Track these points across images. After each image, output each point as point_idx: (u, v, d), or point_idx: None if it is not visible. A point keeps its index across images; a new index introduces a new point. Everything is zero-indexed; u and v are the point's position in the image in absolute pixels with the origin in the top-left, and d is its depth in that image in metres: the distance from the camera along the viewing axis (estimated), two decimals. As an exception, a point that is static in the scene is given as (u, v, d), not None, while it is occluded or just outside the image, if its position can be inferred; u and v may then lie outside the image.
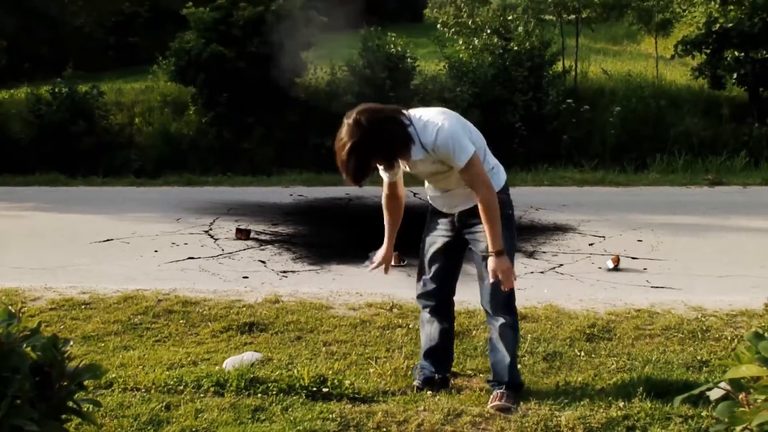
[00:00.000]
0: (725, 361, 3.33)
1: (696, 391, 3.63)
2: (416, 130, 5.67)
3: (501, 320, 6.14)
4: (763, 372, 3.22)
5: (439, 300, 6.40)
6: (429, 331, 6.48)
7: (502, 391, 6.05)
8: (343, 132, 5.53)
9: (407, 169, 5.96)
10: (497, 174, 6.08)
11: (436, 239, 6.30)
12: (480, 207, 5.76)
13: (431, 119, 5.74)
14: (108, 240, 12.09)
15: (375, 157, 5.60)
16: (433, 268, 6.32)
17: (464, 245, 6.26)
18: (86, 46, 31.84)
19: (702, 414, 5.49)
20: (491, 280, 5.91)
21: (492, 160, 6.11)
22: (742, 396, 3.30)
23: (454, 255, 6.34)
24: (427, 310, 6.46)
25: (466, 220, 6.07)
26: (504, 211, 5.93)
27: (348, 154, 5.47)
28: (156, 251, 11.38)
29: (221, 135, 22.29)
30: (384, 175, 6.10)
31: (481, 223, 5.85)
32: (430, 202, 6.29)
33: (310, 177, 19.20)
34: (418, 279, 6.42)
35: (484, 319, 7.74)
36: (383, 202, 6.28)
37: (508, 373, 6.12)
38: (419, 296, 6.46)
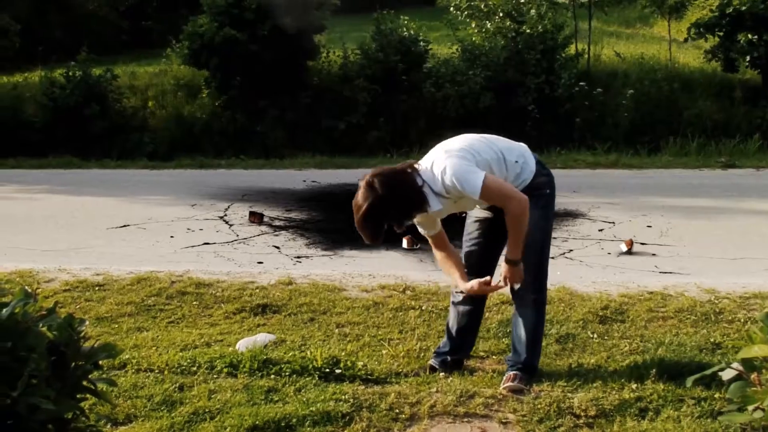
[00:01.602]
0: (737, 342, 3.32)
1: (708, 372, 3.63)
2: (428, 183, 5.72)
3: (526, 298, 6.17)
4: (775, 351, 3.22)
5: (479, 276, 6.28)
6: (459, 311, 6.51)
7: (515, 372, 6.07)
8: (359, 195, 5.61)
9: (439, 217, 6.05)
10: (526, 164, 6.07)
11: (473, 231, 6.39)
12: (506, 218, 5.77)
13: (435, 164, 5.77)
14: (125, 225, 12.09)
15: (389, 219, 5.69)
16: (471, 259, 6.37)
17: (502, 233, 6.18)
18: (100, 30, 31.88)
19: (715, 396, 5.49)
20: (502, 284, 6.03)
21: (514, 155, 6.06)
22: (754, 376, 3.30)
23: (494, 247, 6.35)
24: (463, 297, 6.46)
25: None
26: (542, 191, 6.06)
27: (363, 217, 5.58)
28: (172, 236, 11.40)
29: (234, 118, 22.32)
30: (423, 231, 6.20)
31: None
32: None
33: (322, 160, 19.22)
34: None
35: (498, 300, 7.81)
36: (439, 261, 6.32)
37: (526, 351, 6.14)
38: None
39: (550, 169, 6.30)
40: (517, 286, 6.04)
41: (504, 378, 6.06)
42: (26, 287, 3.43)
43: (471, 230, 6.38)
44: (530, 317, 6.19)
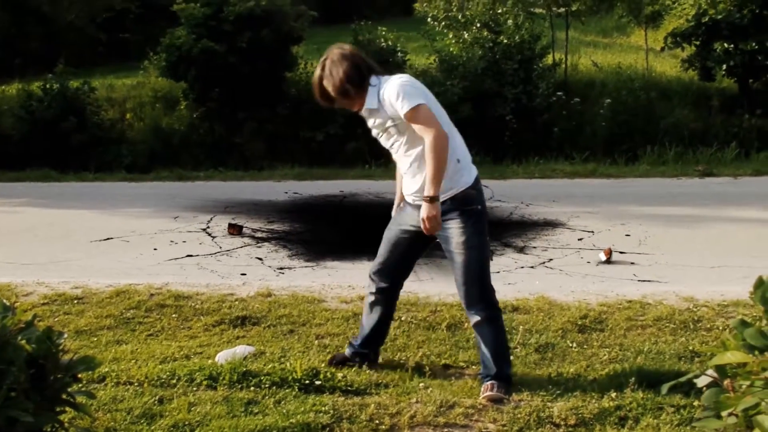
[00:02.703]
0: (711, 348, 3.35)
1: (683, 379, 3.66)
2: (380, 84, 6.05)
3: (476, 317, 6.21)
4: (747, 358, 3.24)
5: (385, 283, 6.60)
6: (375, 315, 6.70)
7: (492, 382, 6.09)
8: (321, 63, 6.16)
9: (369, 123, 6.24)
10: (465, 169, 6.15)
11: (396, 224, 6.51)
12: (426, 148, 5.86)
13: (396, 76, 6.07)
14: (108, 239, 12.05)
15: (324, 78, 6.09)
16: (388, 251, 6.52)
17: (426, 242, 6.40)
18: (77, 42, 31.83)
19: (693, 404, 5.51)
20: (423, 227, 6.04)
21: (459, 154, 6.14)
22: (727, 382, 3.33)
23: (414, 247, 6.50)
24: (374, 291, 6.65)
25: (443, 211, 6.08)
26: (473, 207, 6.11)
27: (315, 71, 6.11)
28: (155, 249, 11.37)
29: (212, 130, 22.32)
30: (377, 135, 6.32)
31: (449, 221, 6.05)
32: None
33: (302, 171, 19.20)
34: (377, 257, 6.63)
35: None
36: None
37: (495, 365, 6.17)
38: (373, 276, 6.67)
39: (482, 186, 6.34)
40: (428, 231, 6.05)
41: (482, 388, 6.08)
42: (5, 301, 3.43)
43: (392, 234, 6.52)
44: (488, 333, 6.24)
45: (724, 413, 3.30)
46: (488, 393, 5.96)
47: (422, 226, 5.98)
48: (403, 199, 6.40)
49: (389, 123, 5.97)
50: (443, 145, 5.82)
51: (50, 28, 31.86)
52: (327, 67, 6.05)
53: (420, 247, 6.49)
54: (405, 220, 6.35)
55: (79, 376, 3.56)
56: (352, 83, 5.98)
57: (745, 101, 21.67)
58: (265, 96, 21.99)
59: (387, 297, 6.63)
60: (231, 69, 21.42)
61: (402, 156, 6.11)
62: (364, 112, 6.11)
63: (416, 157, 6.03)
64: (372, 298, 6.64)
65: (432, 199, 5.88)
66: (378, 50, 21.83)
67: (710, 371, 3.42)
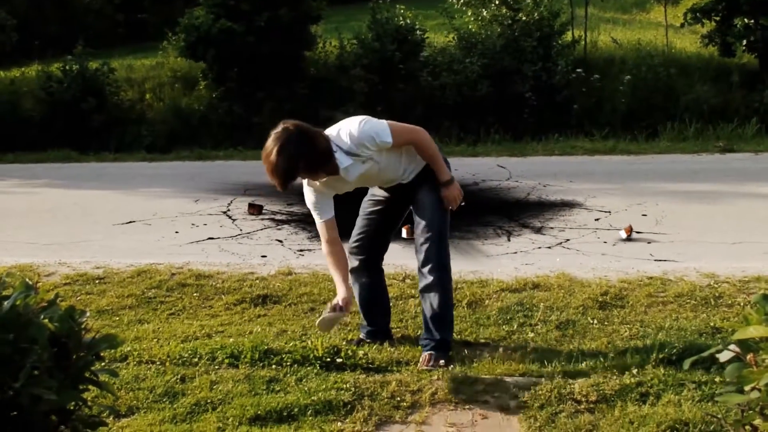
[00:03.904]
0: (733, 324, 3.33)
1: (705, 354, 3.65)
2: (338, 144, 6.02)
3: (429, 277, 6.32)
4: (770, 332, 3.23)
5: (369, 258, 6.77)
6: (364, 292, 6.85)
7: (429, 352, 6.32)
8: (270, 140, 5.84)
9: (343, 189, 6.32)
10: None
11: (378, 198, 6.67)
12: (420, 150, 6.20)
13: (341, 128, 6.13)
14: (130, 222, 12.06)
15: (301, 159, 5.80)
16: (370, 225, 6.71)
17: (402, 208, 6.63)
18: (96, 24, 31.89)
19: (715, 380, 5.50)
20: (447, 206, 6.33)
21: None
22: (750, 356, 3.32)
23: (387, 220, 6.70)
24: (359, 268, 6.79)
25: (410, 185, 6.38)
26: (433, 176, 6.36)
27: (276, 156, 5.76)
28: (177, 232, 11.37)
29: (231, 110, 22.31)
30: (316, 213, 6.43)
31: (421, 183, 6.33)
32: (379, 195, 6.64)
33: (321, 150, 19.20)
34: (355, 234, 6.82)
35: (498, 288, 7.86)
36: (326, 251, 6.45)
37: (437, 329, 6.38)
38: (356, 254, 6.79)
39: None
40: (454, 207, 6.35)
41: (420, 361, 6.28)
42: (27, 280, 3.44)
43: (367, 208, 6.70)
44: (436, 296, 6.36)
45: (747, 387, 3.29)
46: (425, 367, 6.18)
47: (448, 203, 6.29)
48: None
49: (372, 161, 6.10)
50: (426, 137, 6.20)
51: (69, 10, 31.93)
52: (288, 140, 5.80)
53: (394, 219, 6.74)
54: (377, 192, 6.60)
55: (102, 354, 3.57)
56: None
57: (766, 77, 21.53)
58: (283, 75, 21.99)
59: (370, 270, 6.78)
60: (250, 48, 21.43)
61: (384, 175, 6.30)
62: (342, 173, 6.06)
63: (405, 163, 6.31)
64: (356, 273, 6.78)
65: (448, 182, 6.25)
66: (396, 28, 21.80)
67: (732, 346, 3.41)
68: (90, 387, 3.56)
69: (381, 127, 6.02)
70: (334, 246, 6.35)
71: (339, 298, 6.17)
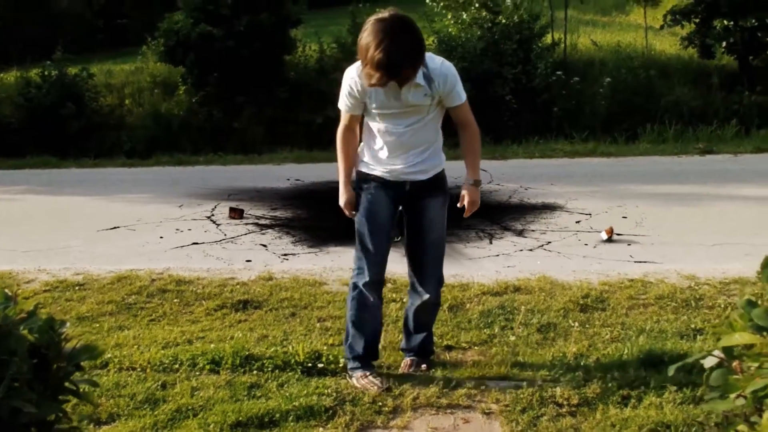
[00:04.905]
0: (719, 329, 3.33)
1: (690, 360, 3.64)
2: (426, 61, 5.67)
3: (431, 295, 6.24)
4: (755, 339, 3.22)
5: (382, 277, 6.29)
6: (375, 315, 6.26)
7: (411, 358, 6.35)
8: (381, 21, 5.39)
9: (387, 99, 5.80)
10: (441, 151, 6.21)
11: (383, 205, 6.07)
12: (471, 139, 6.04)
13: (437, 58, 5.82)
14: (115, 227, 12.01)
15: (417, 50, 5.46)
16: (381, 243, 6.10)
17: (397, 216, 6.23)
18: (75, 29, 31.78)
19: (696, 382, 5.50)
20: (468, 209, 6.09)
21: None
22: (735, 364, 3.31)
23: (390, 228, 6.23)
24: (374, 293, 6.16)
25: (420, 191, 6.03)
26: (447, 189, 6.19)
27: (404, 32, 5.36)
28: (161, 237, 11.32)
29: (211, 114, 22.29)
30: (347, 106, 5.97)
31: (433, 195, 6.05)
32: (375, 172, 6.06)
33: (301, 154, 19.20)
34: (367, 260, 6.07)
35: (478, 292, 7.85)
36: (342, 134, 6.09)
37: (429, 344, 6.46)
38: (371, 281, 6.08)
39: None
40: (469, 213, 6.13)
41: (402, 365, 6.36)
42: (6, 290, 3.42)
43: (375, 223, 6.08)
44: (433, 313, 6.46)
45: (732, 395, 3.28)
46: (408, 371, 6.25)
47: (468, 208, 6.07)
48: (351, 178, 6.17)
49: (429, 101, 5.76)
50: (479, 133, 6.11)
51: (48, 15, 31.83)
52: (418, 35, 5.47)
53: (392, 226, 6.29)
54: (387, 200, 6.06)
55: (82, 363, 3.56)
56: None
57: (745, 78, 21.66)
58: (263, 80, 21.98)
59: (379, 292, 6.27)
60: (229, 53, 21.41)
61: (415, 134, 5.88)
62: (400, 87, 5.62)
63: (434, 138, 6.01)
64: (369, 302, 6.14)
65: (478, 183, 6.09)
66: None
67: (717, 351, 3.41)
68: (70, 397, 3.54)
69: (461, 88, 5.85)
70: (351, 134, 6.09)
71: (342, 201, 6.05)
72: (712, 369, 3.44)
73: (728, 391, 3.29)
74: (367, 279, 6.04)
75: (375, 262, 6.05)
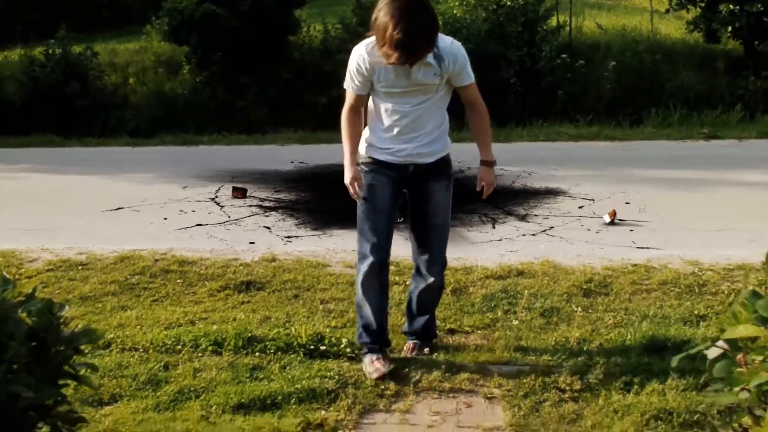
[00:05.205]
0: (723, 319, 3.30)
1: (693, 351, 3.63)
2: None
3: (437, 277, 6.26)
4: (760, 332, 3.20)
5: (387, 260, 6.23)
6: (380, 297, 6.24)
7: (414, 341, 6.36)
8: (401, 3, 5.35)
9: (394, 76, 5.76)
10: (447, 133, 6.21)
11: (385, 189, 6.04)
12: (481, 119, 6.16)
13: (447, 37, 5.84)
14: (119, 208, 11.98)
15: (434, 29, 5.49)
16: (384, 226, 6.08)
17: (400, 199, 6.23)
18: (79, 7, 31.65)
19: (700, 369, 5.48)
20: (485, 191, 6.16)
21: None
22: (739, 356, 3.30)
23: (395, 210, 6.23)
24: (379, 275, 6.15)
25: (424, 174, 6.03)
26: (452, 171, 6.21)
27: (420, 12, 5.36)
28: (165, 218, 11.29)
29: (216, 94, 22.23)
30: (354, 84, 5.92)
31: (437, 178, 6.05)
32: (377, 155, 6.04)
33: (305, 135, 19.18)
34: (370, 243, 6.05)
35: (481, 276, 7.83)
36: (347, 115, 6.04)
37: (431, 328, 6.46)
38: (374, 262, 6.05)
39: None
40: (488, 194, 6.20)
41: (405, 349, 6.38)
42: (4, 273, 3.40)
43: (377, 205, 6.05)
44: (437, 297, 6.50)
45: (736, 388, 3.27)
46: (410, 354, 6.28)
47: (485, 190, 6.14)
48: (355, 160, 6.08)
49: (438, 81, 5.77)
50: (487, 113, 6.19)
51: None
52: (434, 14, 5.50)
53: (396, 210, 6.28)
54: (390, 183, 6.04)
55: (82, 348, 3.54)
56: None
57: (751, 63, 21.57)
58: (268, 60, 21.92)
59: (384, 272, 6.24)
60: (233, 33, 21.34)
61: (422, 114, 5.87)
62: (410, 65, 5.59)
63: (441, 120, 6.01)
64: (371, 281, 6.13)
65: (493, 163, 6.19)
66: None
67: (720, 342, 3.39)
68: (69, 381, 3.53)
69: (470, 68, 5.92)
70: (356, 115, 6.06)
71: (347, 179, 5.94)
72: (715, 360, 3.43)
73: (732, 384, 3.28)
74: (371, 260, 6.02)
75: (378, 245, 6.02)
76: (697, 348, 3.57)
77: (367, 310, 6.18)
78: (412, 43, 5.29)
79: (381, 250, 6.05)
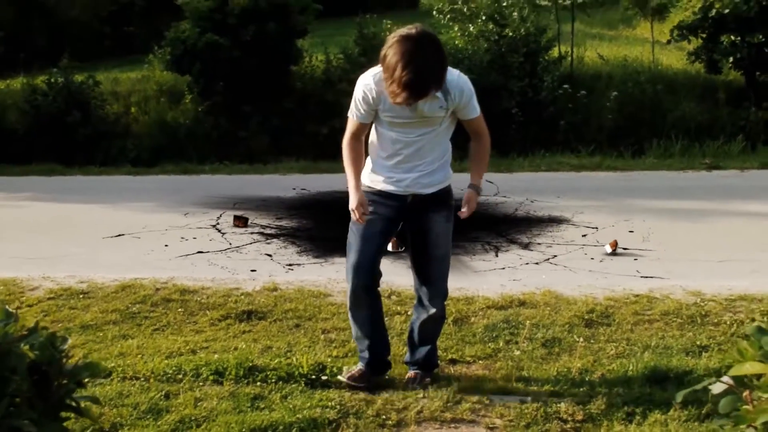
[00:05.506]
0: (729, 354, 3.29)
1: (699, 387, 3.61)
2: None
3: (437, 309, 6.28)
4: (766, 369, 3.20)
5: (371, 281, 6.26)
6: (369, 327, 6.35)
7: (416, 371, 6.35)
8: (411, 44, 5.39)
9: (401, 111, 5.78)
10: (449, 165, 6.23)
11: (377, 221, 6.07)
12: (482, 148, 6.16)
13: (453, 70, 5.84)
14: (119, 235, 11.97)
15: (443, 68, 5.53)
16: (371, 253, 6.12)
17: (396, 229, 6.29)
18: (82, 36, 31.80)
19: (702, 399, 5.47)
20: (466, 213, 6.01)
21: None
22: (746, 394, 3.29)
23: (388, 239, 6.32)
24: (368, 294, 6.25)
25: (424, 204, 6.05)
26: (452, 202, 6.22)
27: (429, 48, 5.42)
28: (166, 245, 11.28)
29: (217, 123, 22.29)
30: (359, 112, 5.94)
31: (436, 209, 6.07)
32: (377, 185, 6.09)
33: (306, 165, 19.18)
34: (354, 267, 6.12)
35: (483, 306, 7.81)
36: (349, 142, 6.07)
37: (433, 358, 6.46)
38: (360, 284, 6.13)
39: None
40: (467, 215, 6.04)
41: (406, 379, 6.33)
42: (7, 306, 3.40)
43: (368, 228, 6.08)
44: (438, 328, 6.53)
45: (742, 426, 3.25)
46: (412, 384, 6.21)
47: (467, 211, 5.99)
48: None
49: (443, 113, 5.81)
50: (489, 146, 6.23)
51: (55, 23, 31.85)
52: (443, 52, 5.57)
53: (389, 239, 6.41)
54: (387, 212, 6.09)
55: (84, 381, 3.53)
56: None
57: (752, 94, 21.63)
58: (270, 90, 21.99)
59: (372, 296, 6.33)
60: (236, 63, 21.42)
61: (425, 145, 5.91)
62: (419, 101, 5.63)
63: (443, 151, 6.05)
64: (358, 303, 6.26)
65: (480, 190, 6.12)
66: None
67: (726, 378, 3.38)
68: (71, 414, 3.52)
69: (476, 102, 5.96)
70: (358, 142, 6.08)
71: (353, 203, 5.94)
72: (720, 395, 3.42)
73: (739, 422, 3.27)
74: (357, 283, 6.10)
75: (362, 268, 6.08)
76: (702, 384, 3.56)
77: (356, 331, 6.35)
78: (421, 84, 5.34)
79: (365, 274, 6.11)
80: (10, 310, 3.38)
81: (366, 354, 6.34)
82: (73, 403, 3.44)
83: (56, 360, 3.35)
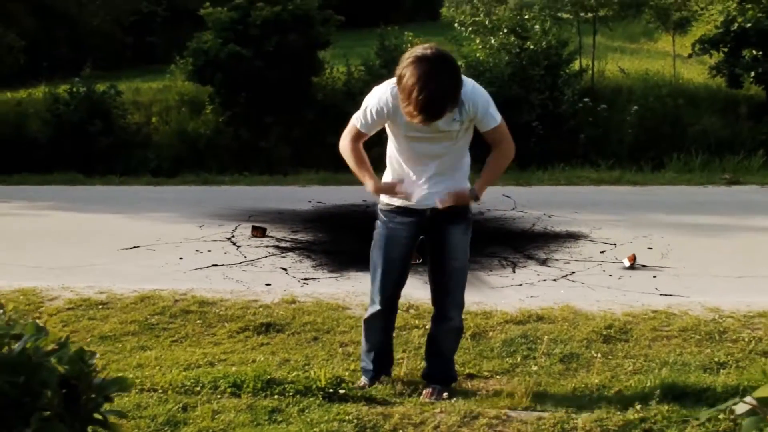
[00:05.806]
0: (748, 372, 3.27)
1: (723, 407, 3.60)
2: None
3: (454, 321, 6.36)
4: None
5: (393, 306, 6.48)
6: (382, 337, 6.55)
7: (434, 386, 6.34)
8: (428, 66, 5.38)
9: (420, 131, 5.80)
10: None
11: (401, 240, 6.20)
12: (500, 154, 6.12)
13: (469, 80, 5.84)
14: (134, 247, 12.00)
15: (458, 88, 5.55)
16: (396, 276, 6.29)
17: (416, 242, 6.31)
18: (104, 46, 31.99)
19: (719, 417, 5.46)
20: (445, 202, 5.98)
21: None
22: (770, 416, 3.27)
23: (406, 263, 6.40)
24: (391, 312, 6.50)
25: (442, 217, 6.07)
26: (471, 215, 6.29)
27: (446, 69, 5.47)
28: (181, 258, 11.30)
29: (238, 134, 22.35)
30: (365, 122, 5.99)
31: (454, 221, 6.09)
32: (395, 201, 6.14)
33: (326, 176, 19.17)
34: (378, 291, 6.31)
35: (501, 321, 7.81)
36: (350, 143, 6.13)
37: (449, 371, 6.50)
38: (382, 310, 6.35)
39: None
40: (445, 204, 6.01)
41: (424, 393, 6.31)
42: (37, 322, 3.42)
43: (394, 249, 6.23)
44: (456, 340, 6.54)
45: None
46: (429, 399, 6.19)
47: (447, 199, 5.96)
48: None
49: (458, 127, 5.81)
50: (511, 158, 6.27)
51: (77, 32, 32.01)
52: (458, 72, 5.59)
53: (412, 256, 6.48)
54: (408, 232, 6.18)
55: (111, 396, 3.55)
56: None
57: (773, 109, 21.59)
58: (291, 101, 22.05)
59: (391, 313, 6.56)
60: (257, 73, 21.48)
61: (442, 159, 5.95)
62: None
63: (462, 163, 6.12)
64: (377, 320, 6.44)
65: (478, 198, 6.13)
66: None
67: (749, 398, 3.37)
68: (98, 428, 3.54)
69: (496, 111, 5.94)
70: (358, 145, 6.12)
71: (370, 188, 6.03)
72: (743, 415, 3.41)
73: (765, 446, 3.25)
74: (378, 308, 6.28)
75: (387, 294, 6.26)
76: (725, 405, 3.55)
77: (365, 344, 6.53)
78: (438, 106, 5.37)
79: (390, 299, 6.31)
80: (40, 324, 3.40)
81: (370, 366, 6.50)
82: (101, 417, 3.46)
83: (85, 374, 3.36)
